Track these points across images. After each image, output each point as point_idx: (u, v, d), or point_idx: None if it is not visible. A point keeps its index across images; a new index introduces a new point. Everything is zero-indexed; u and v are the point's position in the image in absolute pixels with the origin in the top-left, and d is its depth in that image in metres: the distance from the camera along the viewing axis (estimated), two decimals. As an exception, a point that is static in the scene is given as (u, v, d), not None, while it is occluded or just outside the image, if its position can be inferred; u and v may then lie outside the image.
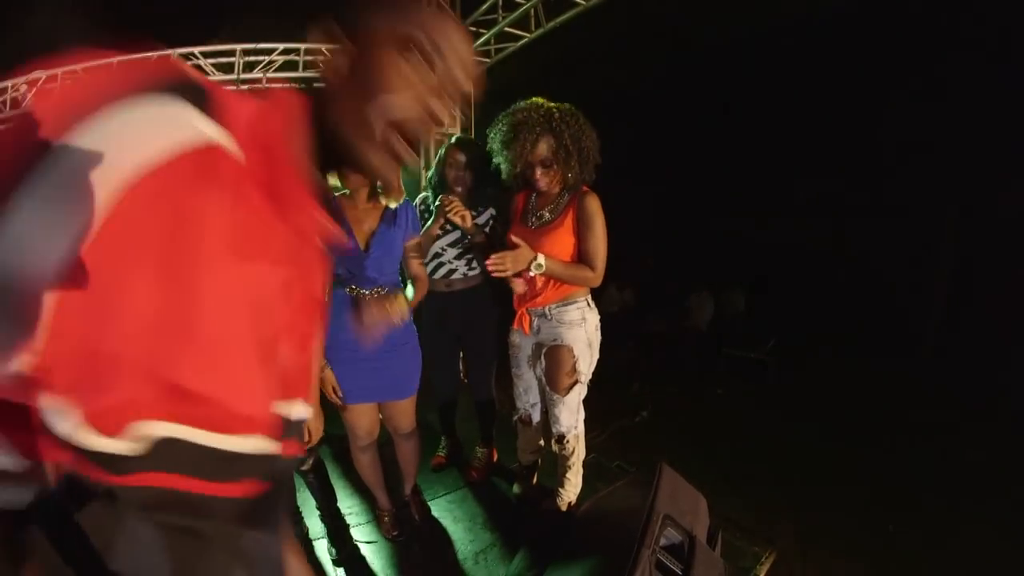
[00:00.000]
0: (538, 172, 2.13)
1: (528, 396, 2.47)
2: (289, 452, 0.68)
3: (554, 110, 2.10)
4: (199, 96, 0.51)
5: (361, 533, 2.42)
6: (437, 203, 2.30)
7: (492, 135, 2.21)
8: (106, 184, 0.43)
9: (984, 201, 6.74)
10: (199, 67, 5.36)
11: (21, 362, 0.42)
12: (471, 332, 2.67)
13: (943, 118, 6.76)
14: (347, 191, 2.09)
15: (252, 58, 5.37)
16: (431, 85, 0.66)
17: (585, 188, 2.17)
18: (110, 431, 0.48)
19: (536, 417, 2.51)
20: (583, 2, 3.78)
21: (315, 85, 0.67)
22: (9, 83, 5.50)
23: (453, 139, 2.61)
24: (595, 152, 2.16)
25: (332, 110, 0.64)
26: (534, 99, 2.15)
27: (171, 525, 0.55)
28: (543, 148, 2.08)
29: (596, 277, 2.14)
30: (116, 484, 0.51)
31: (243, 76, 5.33)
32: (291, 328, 0.65)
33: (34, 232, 0.42)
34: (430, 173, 2.66)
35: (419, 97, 0.65)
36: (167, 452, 0.52)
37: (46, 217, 0.42)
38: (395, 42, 0.64)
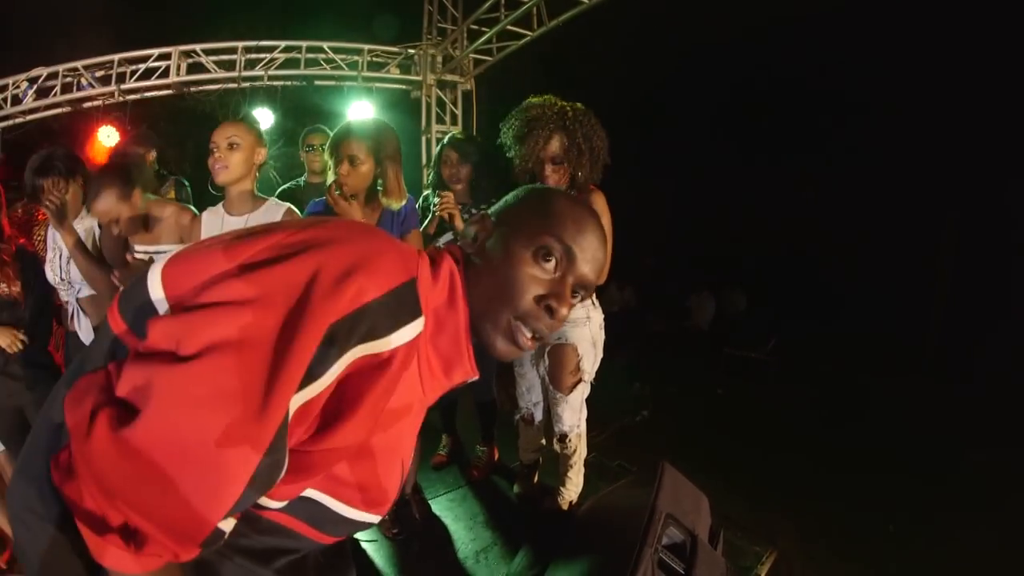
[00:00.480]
0: (548, 169, 2.12)
1: (531, 395, 2.46)
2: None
3: (568, 108, 2.10)
4: (415, 295, 0.66)
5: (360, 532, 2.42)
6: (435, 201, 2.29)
7: (505, 130, 2.21)
8: (354, 357, 0.59)
9: (983, 200, 6.73)
10: (201, 64, 5.35)
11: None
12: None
13: (942, 118, 6.75)
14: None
15: (254, 55, 5.36)
16: (556, 286, 0.75)
17: (592, 187, 2.17)
18: (279, 499, 0.69)
19: (538, 416, 2.50)
20: (585, 0, 3.78)
21: (472, 260, 0.79)
22: (10, 80, 5.48)
23: (447, 138, 2.61)
24: (605, 153, 2.16)
25: (474, 289, 0.76)
26: (547, 96, 2.15)
27: (273, 547, 0.76)
28: (555, 145, 2.08)
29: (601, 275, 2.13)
30: (252, 512, 0.69)
31: (244, 74, 5.31)
32: (413, 439, 0.84)
33: (328, 380, 0.58)
34: (430, 172, 2.68)
35: (542, 297, 0.74)
36: (299, 505, 0.71)
37: (318, 383, 0.57)
38: (534, 248, 0.75)
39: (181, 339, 0.53)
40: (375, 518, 0.80)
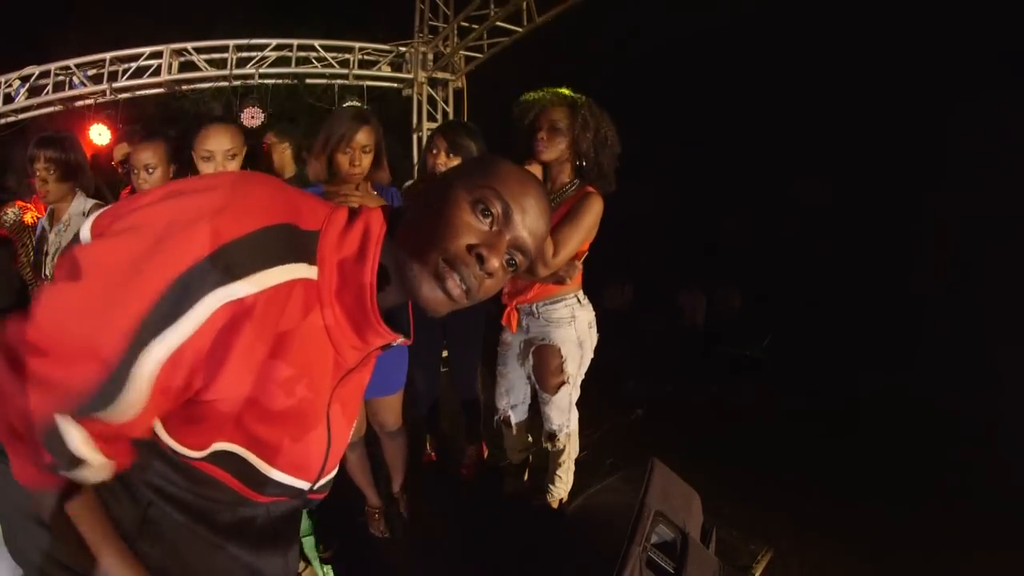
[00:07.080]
0: (542, 133, 1.96)
1: (509, 396, 2.39)
2: (315, 497, 0.90)
3: (579, 98, 2.01)
4: (291, 238, 0.66)
5: (349, 531, 2.39)
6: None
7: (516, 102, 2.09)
8: (217, 305, 0.59)
9: (977, 202, 6.74)
10: (192, 63, 5.31)
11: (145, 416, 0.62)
12: (455, 328, 2.63)
13: (940, 120, 6.75)
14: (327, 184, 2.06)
15: (245, 54, 5.33)
16: (490, 238, 0.74)
17: (590, 188, 2.04)
18: (195, 448, 0.71)
19: (517, 417, 2.43)
20: (575, -5, 3.75)
21: (406, 215, 0.79)
22: (1, 79, 5.45)
23: (441, 125, 2.57)
24: (615, 144, 2.05)
25: (403, 236, 0.75)
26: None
27: (207, 496, 0.77)
28: (558, 113, 1.96)
29: (544, 267, 1.91)
30: (181, 461, 0.73)
31: (236, 72, 5.28)
32: (344, 409, 0.85)
33: (190, 326, 0.59)
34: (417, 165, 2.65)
35: (474, 245, 0.73)
36: (223, 457, 0.73)
37: (197, 318, 0.59)
38: (473, 197, 0.74)
39: (65, 266, 0.61)
40: (302, 484, 0.81)
